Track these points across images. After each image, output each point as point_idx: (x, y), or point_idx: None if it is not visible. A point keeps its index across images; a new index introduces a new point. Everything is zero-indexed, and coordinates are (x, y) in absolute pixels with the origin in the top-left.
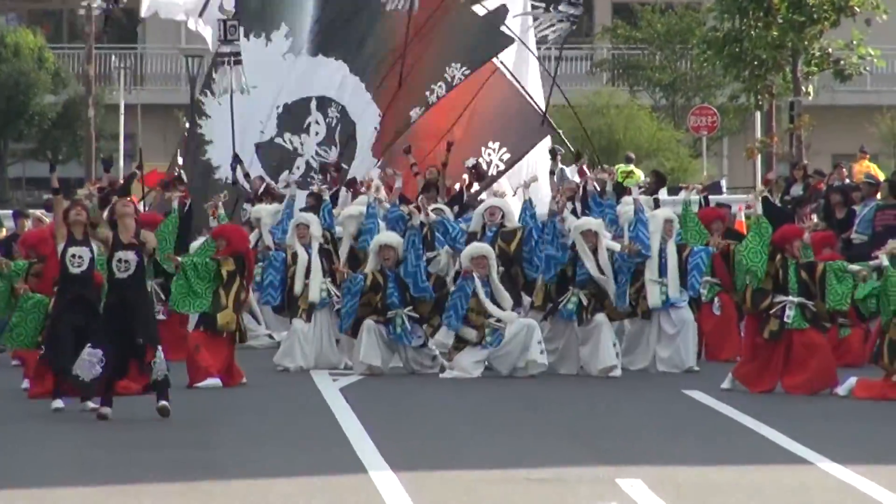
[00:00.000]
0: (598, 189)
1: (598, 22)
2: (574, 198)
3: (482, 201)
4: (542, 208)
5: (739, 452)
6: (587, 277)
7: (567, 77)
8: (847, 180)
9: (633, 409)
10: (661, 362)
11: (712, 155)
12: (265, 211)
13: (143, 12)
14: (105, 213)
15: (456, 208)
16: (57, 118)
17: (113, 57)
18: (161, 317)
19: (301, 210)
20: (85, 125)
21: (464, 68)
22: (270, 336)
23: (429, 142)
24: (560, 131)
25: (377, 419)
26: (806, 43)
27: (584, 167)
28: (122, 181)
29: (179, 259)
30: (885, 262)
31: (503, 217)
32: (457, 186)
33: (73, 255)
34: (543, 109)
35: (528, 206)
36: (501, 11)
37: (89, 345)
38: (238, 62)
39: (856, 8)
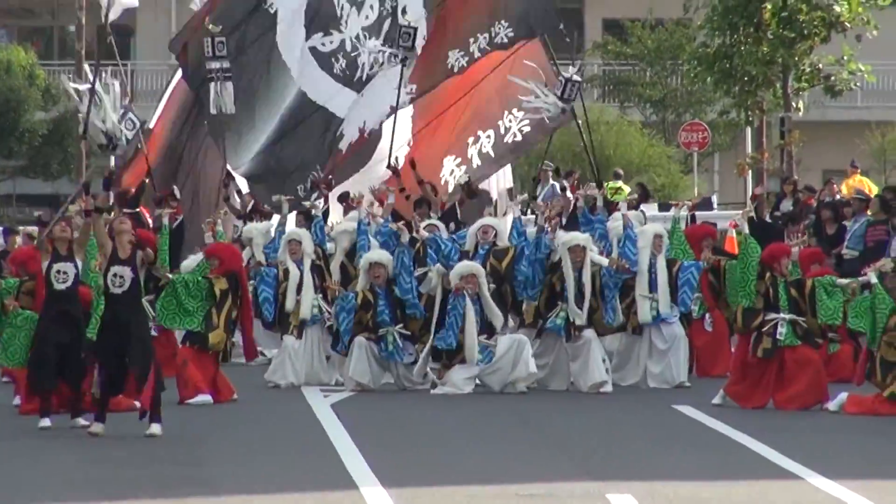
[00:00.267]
0: (588, 205)
1: (589, 38)
2: (562, 213)
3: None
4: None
5: (730, 467)
6: (575, 293)
7: None
8: (838, 196)
9: (624, 424)
10: (653, 378)
11: (703, 171)
12: (256, 230)
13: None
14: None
15: (452, 225)
16: (47, 135)
17: (104, 73)
18: (153, 333)
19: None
20: (75, 141)
21: (509, 29)
22: (261, 353)
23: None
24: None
25: (368, 435)
26: (796, 59)
27: (573, 184)
28: (127, 194)
29: (170, 276)
30: (874, 280)
31: (496, 235)
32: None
33: (58, 272)
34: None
35: (517, 224)
36: None
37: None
38: (227, 78)
39: (846, 24)
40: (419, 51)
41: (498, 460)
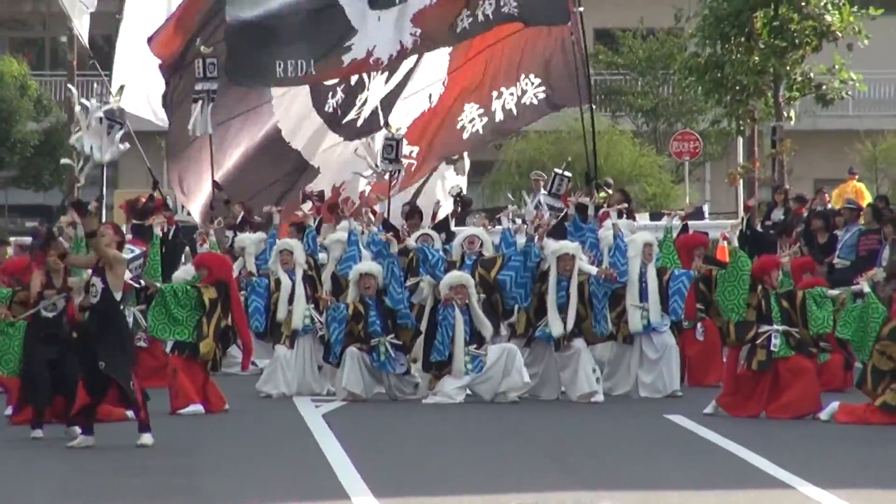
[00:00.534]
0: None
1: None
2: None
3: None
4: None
5: (721, 477)
6: (565, 301)
7: None
8: (829, 205)
9: (616, 433)
10: (644, 387)
11: (694, 180)
12: (249, 240)
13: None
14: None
15: (443, 235)
16: (39, 145)
17: (95, 84)
18: (142, 344)
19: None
20: (67, 152)
21: (514, 4)
22: (253, 363)
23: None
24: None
25: (360, 445)
26: (788, 68)
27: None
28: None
29: (158, 285)
30: (867, 289)
31: (481, 245)
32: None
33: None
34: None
35: (506, 235)
36: None
37: None
38: (212, 100)
39: (837, 33)
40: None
41: (489, 470)
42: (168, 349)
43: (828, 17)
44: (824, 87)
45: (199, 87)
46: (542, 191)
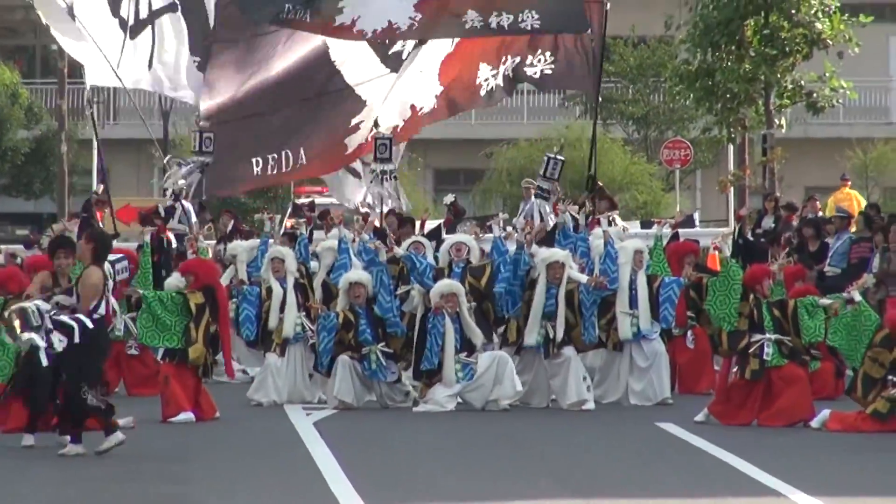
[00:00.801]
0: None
1: None
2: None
3: None
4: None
5: (713, 485)
6: (554, 309)
7: (539, 110)
8: (820, 213)
9: (607, 441)
10: (634, 395)
11: (685, 188)
12: (241, 247)
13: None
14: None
15: (433, 243)
16: (30, 153)
17: (86, 92)
18: (133, 352)
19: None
20: (58, 160)
21: (537, 21)
22: (244, 371)
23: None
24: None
25: (351, 453)
26: (778, 76)
27: (555, 201)
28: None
29: (141, 292)
30: (858, 298)
31: (469, 253)
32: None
33: None
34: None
35: (498, 243)
36: None
37: None
38: (202, 171)
39: (828, 41)
40: None
41: (480, 478)
42: (159, 357)
43: (818, 25)
44: (815, 94)
45: (193, 158)
46: (533, 198)
